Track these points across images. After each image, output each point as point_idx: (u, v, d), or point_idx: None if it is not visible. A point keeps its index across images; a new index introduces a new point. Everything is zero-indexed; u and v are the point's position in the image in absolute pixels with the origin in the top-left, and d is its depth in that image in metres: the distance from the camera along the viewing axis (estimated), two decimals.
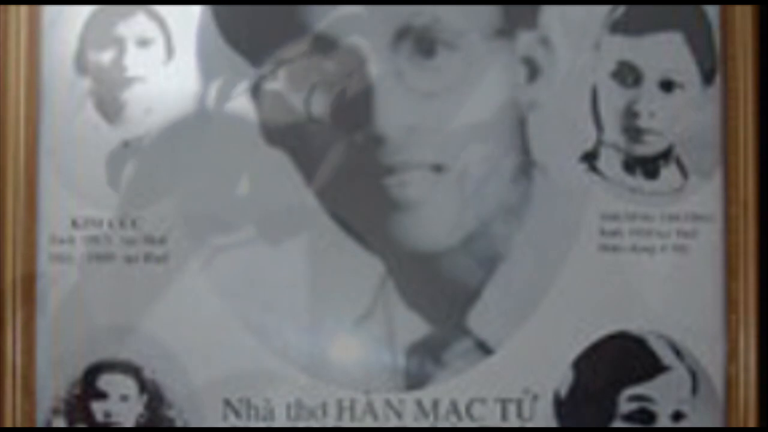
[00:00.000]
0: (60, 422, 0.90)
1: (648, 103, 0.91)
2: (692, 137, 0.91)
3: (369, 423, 0.89)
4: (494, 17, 0.91)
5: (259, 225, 0.90)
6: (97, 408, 0.90)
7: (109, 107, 0.91)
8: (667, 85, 0.91)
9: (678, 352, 0.90)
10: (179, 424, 0.89)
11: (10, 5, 0.90)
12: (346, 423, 0.89)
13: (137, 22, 0.91)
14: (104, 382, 0.89)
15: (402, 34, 0.88)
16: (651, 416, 0.89)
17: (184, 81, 0.91)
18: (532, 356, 0.89)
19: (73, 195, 0.91)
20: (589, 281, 0.90)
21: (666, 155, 0.91)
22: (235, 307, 0.90)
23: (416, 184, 0.89)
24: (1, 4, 0.90)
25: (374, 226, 0.90)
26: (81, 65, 0.91)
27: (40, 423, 0.89)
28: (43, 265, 0.90)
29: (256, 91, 0.91)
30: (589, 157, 0.91)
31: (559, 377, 0.90)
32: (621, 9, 0.92)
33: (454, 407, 0.90)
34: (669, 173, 0.91)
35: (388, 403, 0.90)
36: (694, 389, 0.89)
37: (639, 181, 0.91)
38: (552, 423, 0.90)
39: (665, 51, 0.91)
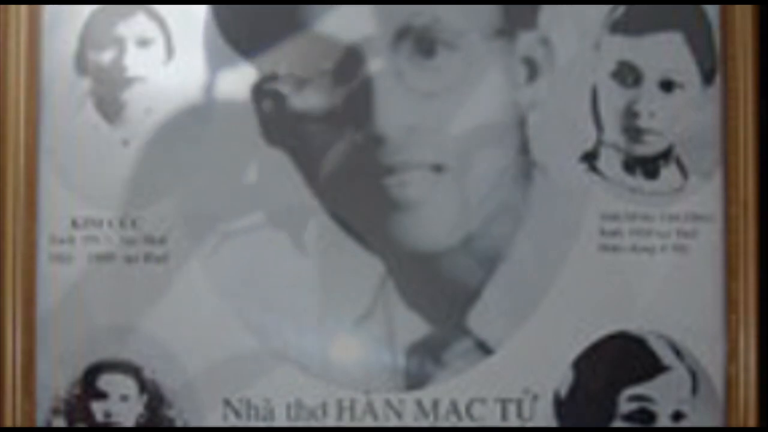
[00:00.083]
0: (60, 422, 0.90)
1: (648, 103, 0.91)
2: (692, 137, 0.91)
3: (369, 423, 0.89)
4: (494, 17, 0.91)
5: (258, 225, 0.90)
6: (97, 408, 0.90)
7: (109, 107, 0.91)
8: (667, 85, 0.91)
9: (678, 352, 0.90)
10: (179, 424, 0.89)
11: (10, 5, 0.90)
12: (346, 423, 0.89)
13: (137, 22, 0.91)
14: (104, 382, 0.89)
15: (402, 34, 0.88)
16: (651, 416, 0.89)
17: (184, 81, 0.91)
18: (532, 356, 0.89)
19: (73, 195, 0.91)
20: (589, 281, 0.90)
21: (666, 155, 0.91)
22: (235, 307, 0.90)
23: (416, 184, 0.88)
24: (1, 4, 0.90)
25: (374, 226, 0.90)
26: (81, 65, 0.91)
27: (40, 423, 0.89)
28: (43, 265, 0.90)
29: (256, 91, 0.91)
30: (589, 157, 0.91)
31: (559, 377, 0.90)
32: (621, 9, 0.92)
33: (454, 407, 0.90)
34: (669, 173, 0.91)
35: (388, 403, 0.90)
36: (694, 389, 0.89)
37: (639, 181, 0.91)
38: (552, 423, 0.90)
39: (665, 51, 0.91)
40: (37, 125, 0.90)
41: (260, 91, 0.90)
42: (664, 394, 0.89)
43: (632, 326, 0.90)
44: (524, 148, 0.91)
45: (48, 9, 0.91)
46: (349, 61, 0.89)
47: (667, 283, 0.90)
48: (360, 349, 0.90)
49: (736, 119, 0.90)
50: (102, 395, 0.89)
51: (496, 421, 0.90)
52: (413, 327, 0.90)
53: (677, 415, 0.89)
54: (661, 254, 0.91)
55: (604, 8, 0.92)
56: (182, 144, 0.91)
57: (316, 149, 0.90)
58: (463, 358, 0.90)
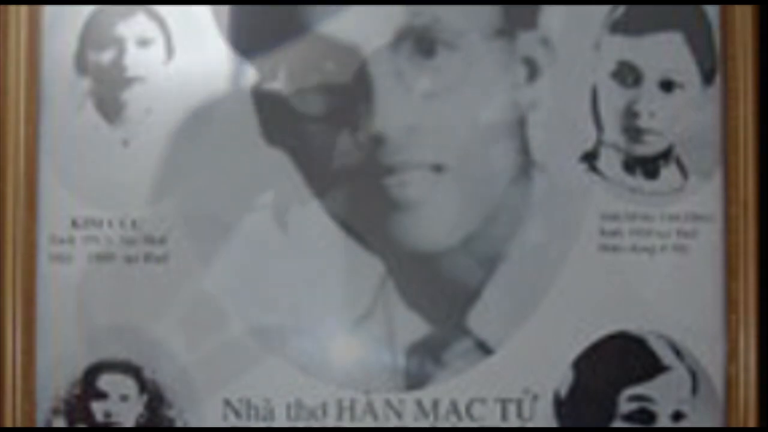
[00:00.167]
0: (60, 422, 0.90)
1: (648, 103, 0.91)
2: (692, 137, 0.91)
3: (369, 423, 0.89)
4: (494, 17, 0.91)
5: (258, 225, 0.90)
6: (97, 408, 0.90)
7: (109, 107, 0.91)
8: (667, 85, 0.91)
9: (678, 352, 0.90)
10: (179, 424, 0.89)
11: (10, 5, 0.90)
12: (346, 423, 0.89)
13: (137, 22, 0.91)
14: (104, 382, 0.89)
15: (402, 34, 0.88)
16: (651, 416, 0.89)
17: (184, 81, 0.91)
18: (532, 356, 0.89)
19: (73, 195, 0.91)
20: (589, 281, 0.90)
21: (666, 155, 0.91)
22: (235, 307, 0.90)
23: (416, 184, 0.89)
24: (1, 4, 0.90)
25: (374, 226, 0.90)
26: (81, 65, 0.91)
27: (40, 423, 0.89)
28: (43, 265, 0.90)
29: (256, 91, 0.91)
30: (589, 157, 0.91)
31: (559, 377, 0.90)
32: (621, 9, 0.92)
33: (454, 407, 0.90)
34: (669, 173, 0.91)
35: (388, 403, 0.90)
36: (694, 389, 0.89)
37: (639, 181, 0.91)
38: (552, 423, 0.90)
39: (665, 51, 0.91)
40: (37, 125, 0.90)
41: (260, 91, 0.90)
42: (664, 394, 0.89)
43: (632, 326, 0.90)
44: (524, 148, 0.91)
45: (48, 9, 0.91)
46: (349, 62, 0.89)
47: (667, 283, 0.90)
48: (360, 349, 0.90)
49: (736, 119, 0.90)
50: (102, 395, 0.89)
51: (496, 421, 0.90)
52: (413, 327, 0.90)
53: (677, 415, 0.89)
54: (661, 254, 0.91)
55: (604, 8, 0.92)
56: (182, 144, 0.91)
57: (316, 149, 0.90)
58: (463, 358, 0.90)
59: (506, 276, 0.90)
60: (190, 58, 0.91)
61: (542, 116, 0.91)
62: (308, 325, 0.90)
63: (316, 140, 0.90)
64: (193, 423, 0.89)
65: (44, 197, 0.90)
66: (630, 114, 0.91)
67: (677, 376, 0.90)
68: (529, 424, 0.90)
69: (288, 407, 0.90)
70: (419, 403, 0.90)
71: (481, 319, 0.90)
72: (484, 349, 0.90)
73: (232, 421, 0.90)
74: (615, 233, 0.91)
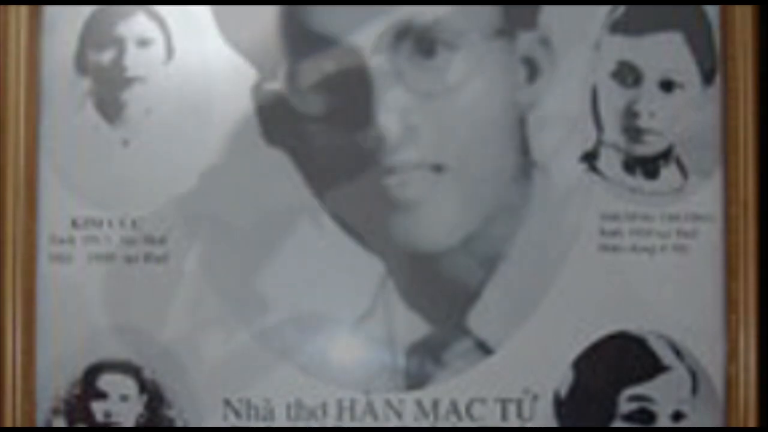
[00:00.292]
0: (60, 422, 0.90)
1: (648, 103, 0.91)
2: (692, 137, 0.91)
3: (369, 423, 0.89)
4: (494, 17, 0.91)
5: (259, 225, 0.90)
6: (97, 408, 0.90)
7: (109, 107, 0.91)
8: (667, 85, 0.91)
9: (678, 352, 0.90)
10: (179, 424, 0.89)
11: (10, 5, 0.90)
12: (346, 423, 0.89)
13: (137, 22, 0.91)
14: (104, 382, 0.89)
15: (402, 34, 0.88)
16: (651, 416, 0.89)
17: (184, 81, 0.91)
18: (532, 356, 0.89)
19: (73, 195, 0.91)
20: (589, 281, 0.90)
21: (666, 155, 0.91)
22: (235, 307, 0.90)
23: (416, 184, 0.88)
24: (1, 4, 0.90)
25: (374, 226, 0.90)
26: (81, 65, 0.91)
27: (40, 423, 0.89)
28: (43, 265, 0.90)
29: (256, 91, 0.91)
30: (589, 157, 0.91)
31: (559, 377, 0.90)
32: (621, 9, 0.92)
33: (454, 407, 0.90)
34: (669, 173, 0.91)
35: (388, 403, 0.90)
36: (694, 389, 0.89)
37: (639, 181, 0.91)
38: (552, 423, 0.90)
39: (665, 51, 0.91)
40: (37, 125, 0.90)
41: (260, 91, 0.91)
42: (664, 394, 0.89)
43: (632, 326, 0.90)
44: (524, 148, 0.91)
45: (48, 9, 0.91)
46: (349, 61, 0.89)
47: (667, 283, 0.90)
48: (360, 349, 0.90)
49: (736, 119, 0.90)
50: (102, 395, 0.89)
51: (496, 421, 0.90)
52: (413, 327, 0.90)
53: (677, 415, 0.89)
54: (661, 254, 0.91)
55: (604, 8, 0.92)
56: (182, 144, 0.91)
57: (316, 149, 0.90)
58: (463, 358, 0.90)
59: (506, 276, 0.90)
60: (190, 58, 0.91)
61: (542, 116, 0.91)
62: (308, 325, 0.90)
63: (316, 140, 0.90)
64: (193, 423, 0.89)
65: (44, 197, 0.90)
66: (630, 114, 0.91)
67: (677, 376, 0.90)
68: (529, 424, 0.90)
69: (288, 407, 0.90)
70: (419, 403, 0.90)
71: (481, 319, 0.90)
72: (484, 349, 0.90)
73: (232, 421, 0.90)
74: (615, 233, 0.91)
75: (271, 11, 0.91)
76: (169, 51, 0.91)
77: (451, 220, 0.90)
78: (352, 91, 0.88)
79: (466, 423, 0.89)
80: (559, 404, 0.90)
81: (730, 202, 0.90)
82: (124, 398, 0.89)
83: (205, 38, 0.91)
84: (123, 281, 0.90)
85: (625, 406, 0.89)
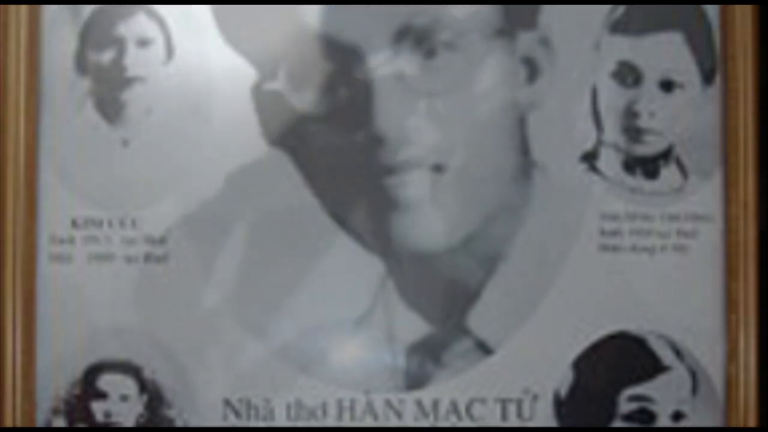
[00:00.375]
0: (60, 422, 0.90)
1: (648, 103, 0.91)
2: (692, 137, 0.91)
3: (369, 423, 0.89)
4: (494, 17, 0.90)
5: (259, 225, 0.90)
6: (97, 408, 0.90)
7: (109, 107, 0.91)
8: (667, 85, 0.91)
9: (678, 352, 0.90)
10: (179, 424, 0.89)
11: (10, 5, 0.90)
12: (346, 423, 0.89)
13: (137, 22, 0.91)
14: (104, 382, 0.89)
15: (402, 34, 0.88)
16: (651, 416, 0.89)
17: (184, 81, 0.91)
18: (532, 356, 0.89)
19: (73, 195, 0.91)
20: (589, 281, 0.90)
21: (666, 155, 0.91)
22: (235, 307, 0.90)
23: (416, 184, 0.88)
24: (1, 4, 0.90)
25: (374, 226, 0.90)
26: (81, 65, 0.91)
27: (40, 423, 0.89)
28: (43, 265, 0.90)
29: (256, 91, 0.91)
30: (589, 157, 0.91)
31: (559, 377, 0.90)
32: (621, 9, 0.92)
33: (454, 407, 0.90)
34: (669, 173, 0.91)
35: (388, 403, 0.90)
36: (694, 389, 0.89)
37: (639, 181, 0.91)
38: (552, 423, 0.90)
39: (665, 51, 0.91)
40: (37, 125, 0.90)
41: (260, 91, 0.90)
42: (664, 394, 0.89)
43: (632, 326, 0.90)
44: (524, 148, 0.91)
45: (48, 9, 0.91)
46: (349, 61, 0.89)
47: (667, 283, 0.90)
48: (360, 349, 0.90)
49: (736, 119, 0.90)
50: (102, 395, 0.89)
51: (496, 421, 0.90)
52: (413, 327, 0.90)
53: (677, 415, 0.89)
54: (661, 254, 0.91)
55: (604, 8, 0.92)
56: (182, 144, 0.91)
57: (316, 149, 0.90)
58: (463, 358, 0.90)
59: (506, 276, 0.90)
60: (190, 58, 0.91)
61: (542, 116, 0.91)
62: (308, 325, 0.90)
63: (316, 140, 0.90)
64: (193, 423, 0.89)
65: (44, 197, 0.90)
66: (630, 114, 0.91)
67: (677, 376, 0.90)
68: (529, 424, 0.90)
69: (288, 407, 0.90)
70: (419, 403, 0.90)
71: (481, 319, 0.90)
72: (484, 349, 0.90)
73: (232, 421, 0.90)
74: (615, 233, 0.91)
75: (271, 11, 0.90)
76: (169, 51, 0.91)
77: (451, 220, 0.90)
78: (352, 91, 0.88)
79: (466, 423, 0.89)
80: (559, 404, 0.90)
81: (730, 202, 0.90)
82: (124, 398, 0.89)
83: (205, 38, 0.91)
84: (123, 281, 0.90)
85: (625, 406, 0.89)
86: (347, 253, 0.90)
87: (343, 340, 0.90)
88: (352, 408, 0.90)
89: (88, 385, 0.89)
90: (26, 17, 0.90)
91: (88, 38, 0.91)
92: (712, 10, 0.92)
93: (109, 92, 0.91)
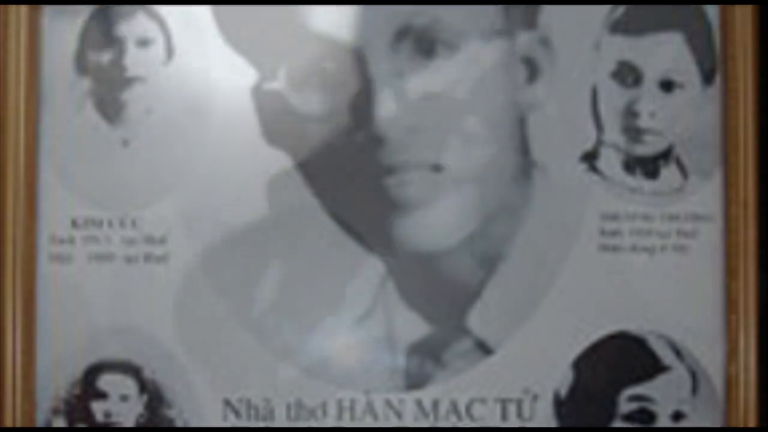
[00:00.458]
0: (60, 422, 0.90)
1: (648, 103, 0.91)
2: (692, 137, 0.91)
3: (369, 423, 0.89)
4: (494, 17, 0.90)
5: (258, 225, 0.90)
6: (97, 408, 0.90)
7: (109, 107, 0.91)
8: (667, 85, 0.91)
9: (678, 352, 0.90)
10: (179, 424, 0.89)
11: (10, 5, 0.90)
12: (346, 423, 0.89)
13: (137, 22, 0.91)
14: (104, 382, 0.89)
15: (402, 34, 0.88)
16: (651, 416, 0.89)
17: (184, 81, 0.91)
18: (532, 356, 0.89)
19: (73, 195, 0.91)
20: (589, 281, 0.90)
21: (666, 155, 0.91)
22: (235, 307, 0.90)
23: (416, 184, 0.88)
24: (1, 4, 0.90)
25: (374, 226, 0.90)
26: (81, 65, 0.91)
27: (40, 423, 0.89)
28: (43, 265, 0.90)
29: (256, 91, 0.91)
30: (589, 157, 0.91)
31: (559, 377, 0.90)
32: (621, 9, 0.92)
33: (454, 407, 0.90)
34: (669, 173, 0.91)
35: (388, 403, 0.90)
36: (694, 389, 0.89)
37: (639, 181, 0.91)
38: (552, 423, 0.90)
39: (665, 51, 0.91)
40: (37, 125, 0.90)
41: (260, 91, 0.90)
42: (664, 394, 0.89)
43: (632, 326, 0.90)
44: (524, 148, 0.91)
45: (48, 9, 0.91)
46: (349, 61, 0.88)
47: (667, 283, 0.90)
48: (360, 349, 0.90)
49: (736, 119, 0.90)
50: (102, 395, 0.89)
51: (496, 421, 0.90)
52: (413, 327, 0.90)
53: (677, 415, 0.89)
54: (661, 254, 0.91)
55: (604, 8, 0.92)
56: (182, 144, 0.91)
57: (316, 149, 0.90)
58: (463, 358, 0.90)
59: (506, 276, 0.90)
60: (190, 58, 0.91)
61: (542, 116, 0.91)
62: (308, 325, 0.90)
63: (316, 140, 0.90)
64: (193, 423, 0.89)
65: (44, 197, 0.90)
66: (630, 114, 0.91)
67: (677, 376, 0.90)
68: (529, 424, 0.90)
69: (288, 407, 0.90)
70: (419, 403, 0.90)
71: (481, 319, 0.90)
72: (484, 349, 0.90)
73: (232, 421, 0.90)
74: (615, 233, 0.91)
75: (271, 11, 0.90)
76: (169, 51, 0.91)
77: (451, 220, 0.90)
78: (352, 92, 0.88)
79: (466, 423, 0.89)
80: (559, 404, 0.90)
81: (730, 202, 0.90)
82: (124, 398, 0.89)
83: (205, 38, 0.91)
84: (123, 281, 0.90)
85: (625, 406, 0.89)
86: (347, 253, 0.90)
87: (343, 340, 0.90)
88: (352, 408, 0.90)
89: (88, 385, 0.89)
90: (26, 17, 0.90)
91: (88, 38, 0.91)
92: (712, 10, 0.92)
93: (109, 92, 0.91)
